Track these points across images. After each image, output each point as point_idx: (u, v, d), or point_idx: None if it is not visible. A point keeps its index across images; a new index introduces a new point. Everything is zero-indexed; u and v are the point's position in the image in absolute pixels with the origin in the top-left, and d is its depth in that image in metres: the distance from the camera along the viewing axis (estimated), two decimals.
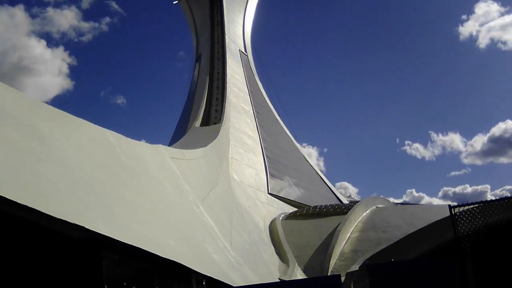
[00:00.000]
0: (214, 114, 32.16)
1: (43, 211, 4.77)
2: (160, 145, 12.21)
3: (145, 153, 10.04)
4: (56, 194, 5.38)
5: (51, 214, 4.85)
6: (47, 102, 6.89)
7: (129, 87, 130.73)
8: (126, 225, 6.43)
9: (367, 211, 21.67)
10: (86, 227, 5.16)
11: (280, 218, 21.90)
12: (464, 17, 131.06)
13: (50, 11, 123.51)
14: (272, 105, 40.44)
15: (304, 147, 39.13)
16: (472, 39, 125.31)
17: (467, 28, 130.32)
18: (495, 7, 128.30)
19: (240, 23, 46.75)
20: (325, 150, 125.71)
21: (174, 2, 52.92)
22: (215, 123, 29.38)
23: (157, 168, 10.36)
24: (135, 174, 8.44)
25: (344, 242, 17.93)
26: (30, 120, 6.05)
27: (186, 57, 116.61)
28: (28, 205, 4.66)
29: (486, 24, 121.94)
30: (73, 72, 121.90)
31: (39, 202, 4.85)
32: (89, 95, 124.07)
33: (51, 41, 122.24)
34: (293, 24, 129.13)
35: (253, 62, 44.12)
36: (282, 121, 39.58)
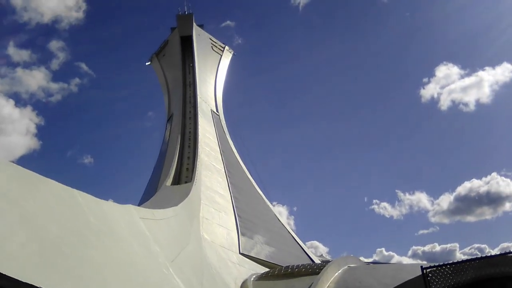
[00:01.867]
0: (186, 173, 32.11)
1: (8, 275, 4.66)
2: (130, 205, 12.06)
3: (114, 213, 9.90)
4: (22, 256, 5.25)
5: (17, 278, 4.73)
6: (13, 162, 6.81)
7: (97, 147, 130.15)
8: None
9: (339, 271, 21.48)
10: None
11: (252, 279, 21.50)
12: (425, 80, 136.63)
13: (19, 71, 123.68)
14: (244, 164, 40.66)
15: (274, 205, 39.08)
16: (434, 101, 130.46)
17: (429, 91, 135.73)
18: (456, 70, 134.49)
19: (211, 83, 47.73)
20: (295, 209, 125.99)
21: (147, 63, 53.97)
22: (186, 182, 29.26)
23: (126, 229, 10.20)
24: (104, 235, 8.30)
25: None
26: None
27: (155, 117, 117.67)
28: None
29: (447, 87, 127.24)
30: (41, 132, 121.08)
31: (5, 265, 4.74)
32: (56, 155, 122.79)
33: (19, 101, 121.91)
34: (264, 85, 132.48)
35: (224, 122, 44.73)
36: (254, 180, 39.69)
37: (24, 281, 4.78)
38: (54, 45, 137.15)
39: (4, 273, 4.62)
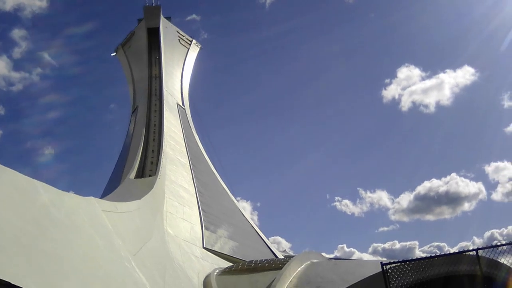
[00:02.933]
0: (150, 166, 31.78)
1: None
2: (92, 197, 11.84)
3: (76, 205, 9.71)
4: None
5: None
6: None
7: (58, 138, 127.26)
8: (53, 281, 6.13)
9: (302, 266, 21.71)
10: (12, 283, 4.90)
11: (215, 273, 21.47)
12: (387, 80, 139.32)
13: None
14: (209, 158, 40.55)
15: (238, 201, 39.17)
16: (395, 102, 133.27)
17: (390, 92, 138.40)
18: (417, 72, 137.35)
19: (178, 76, 47.35)
20: (258, 204, 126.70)
21: (112, 54, 53.05)
22: (150, 175, 28.96)
23: (88, 221, 10.02)
24: (64, 227, 8.13)
25: None
26: None
27: (117, 109, 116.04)
28: None
29: (408, 88, 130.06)
30: (0, 121, 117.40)
31: None
32: (16, 145, 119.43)
33: None
34: (230, 80, 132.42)
35: (190, 116, 44.44)
36: (219, 174, 39.65)
37: None
38: (17, 33, 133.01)
39: None
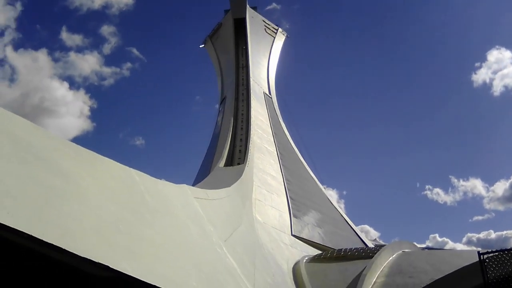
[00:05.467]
0: (238, 155, 32.30)
1: (69, 250, 4.77)
2: (184, 184, 12.21)
3: (169, 192, 10.04)
4: (81, 232, 5.38)
5: (77, 253, 4.84)
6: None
7: (148, 129, 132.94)
8: (149, 265, 6.37)
9: (393, 256, 21.09)
10: (111, 267, 5.13)
11: (304, 260, 21.44)
12: (477, 64, 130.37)
13: (72, 55, 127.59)
14: (296, 146, 40.44)
15: (324, 189, 38.75)
16: (486, 87, 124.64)
17: (480, 76, 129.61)
18: (508, 54, 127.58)
19: (264, 66, 47.51)
20: (344, 192, 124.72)
21: (200, 46, 54.38)
22: (238, 164, 29.42)
23: (181, 208, 10.33)
24: (159, 213, 8.43)
25: (370, 287, 17.41)
26: (56, 158, 6.10)
27: (202, 101, 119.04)
28: (54, 244, 4.67)
29: (499, 72, 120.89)
30: (94, 114, 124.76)
31: (65, 241, 4.85)
32: (109, 137, 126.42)
33: (73, 84, 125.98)
34: (315, 68, 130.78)
35: (277, 104, 44.50)
36: (306, 162, 39.44)
37: (83, 256, 4.88)
38: (106, 30, 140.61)
39: (64, 248, 4.73)
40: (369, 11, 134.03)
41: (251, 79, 41.45)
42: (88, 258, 4.93)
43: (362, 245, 30.38)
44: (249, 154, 28.83)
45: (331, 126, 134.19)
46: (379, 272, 18.84)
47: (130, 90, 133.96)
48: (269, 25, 53.10)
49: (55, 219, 5.13)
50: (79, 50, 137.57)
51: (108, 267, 5.09)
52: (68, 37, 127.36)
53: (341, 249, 23.80)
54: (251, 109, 36.96)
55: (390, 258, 20.71)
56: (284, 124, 42.12)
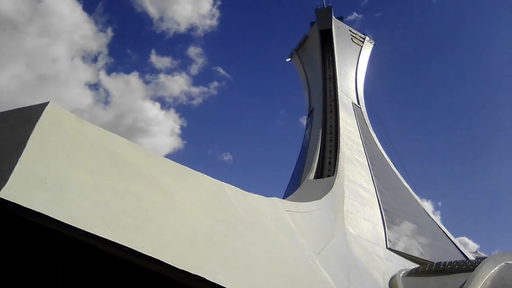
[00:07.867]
0: (328, 167, 31.98)
1: (167, 262, 4.95)
2: (275, 197, 12.30)
3: (260, 205, 10.15)
4: (178, 245, 5.58)
5: (174, 265, 5.02)
6: None
7: (235, 145, 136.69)
8: (243, 276, 6.46)
9: (496, 268, 19.74)
10: (206, 278, 5.26)
11: (401, 274, 20.67)
12: None
13: (162, 77, 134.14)
14: (388, 156, 39.31)
15: (419, 199, 37.24)
16: None
17: None
18: None
19: (352, 76, 46.93)
20: (439, 204, 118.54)
21: (287, 60, 54.93)
22: (328, 176, 29.13)
23: (272, 221, 10.40)
24: (251, 226, 8.54)
25: None
26: (153, 174, 6.41)
27: (286, 115, 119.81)
28: (153, 256, 4.88)
29: None
30: (184, 133, 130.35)
31: (163, 253, 5.05)
32: (199, 153, 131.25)
33: (164, 105, 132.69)
34: (405, 77, 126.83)
35: (366, 114, 43.63)
36: (399, 172, 38.17)
37: (180, 268, 5.05)
38: (192, 51, 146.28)
39: (162, 260, 4.92)
40: (454, 15, 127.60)
41: (338, 90, 41.02)
42: (185, 270, 5.09)
43: (462, 258, 28.76)
44: (339, 166, 28.45)
45: (425, 133, 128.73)
46: (481, 285, 17.76)
47: (218, 108, 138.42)
48: (355, 34, 52.38)
49: (153, 232, 5.36)
50: (168, 71, 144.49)
51: (204, 279, 5.22)
52: (158, 60, 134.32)
53: (440, 262, 22.67)
54: (340, 120, 36.54)
55: (493, 270, 19.44)
56: (374, 134, 41.13)
